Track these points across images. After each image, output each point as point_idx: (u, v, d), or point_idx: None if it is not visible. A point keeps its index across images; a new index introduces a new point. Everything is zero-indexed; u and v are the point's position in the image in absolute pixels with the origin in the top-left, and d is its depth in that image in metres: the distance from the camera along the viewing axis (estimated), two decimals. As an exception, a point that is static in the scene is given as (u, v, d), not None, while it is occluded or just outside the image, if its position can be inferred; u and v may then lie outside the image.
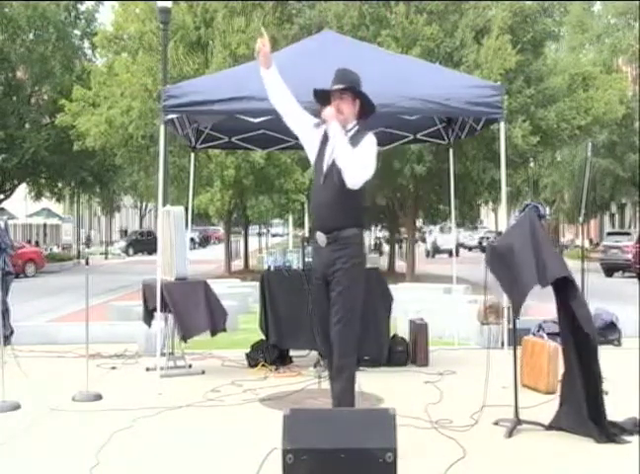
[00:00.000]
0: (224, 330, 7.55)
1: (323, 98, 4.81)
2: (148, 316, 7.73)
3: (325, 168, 4.70)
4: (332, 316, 4.64)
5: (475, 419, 5.43)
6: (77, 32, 28.84)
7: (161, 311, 7.24)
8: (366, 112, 4.83)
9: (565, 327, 5.26)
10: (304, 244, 7.84)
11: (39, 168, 28.74)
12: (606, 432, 4.96)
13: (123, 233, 54.55)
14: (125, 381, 7.06)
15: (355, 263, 4.66)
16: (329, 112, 4.66)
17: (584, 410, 5.03)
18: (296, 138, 9.80)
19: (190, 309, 7.27)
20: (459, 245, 47.46)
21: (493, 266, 5.33)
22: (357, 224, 4.70)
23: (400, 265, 26.24)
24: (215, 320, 7.40)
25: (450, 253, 40.70)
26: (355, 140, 4.65)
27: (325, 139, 4.78)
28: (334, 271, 4.64)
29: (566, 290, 5.12)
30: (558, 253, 5.38)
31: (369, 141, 4.68)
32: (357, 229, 4.69)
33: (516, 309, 5.34)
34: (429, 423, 5.40)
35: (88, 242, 47.90)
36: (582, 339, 5.12)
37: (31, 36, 27.25)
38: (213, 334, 7.51)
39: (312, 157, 4.89)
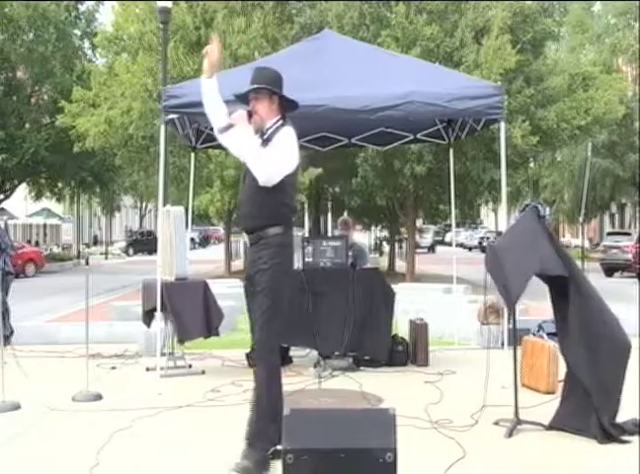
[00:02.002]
0: (217, 334, 7.57)
1: (246, 99, 4.69)
2: (147, 316, 7.74)
3: (245, 167, 4.60)
4: (257, 317, 4.59)
5: (475, 419, 5.44)
6: (77, 32, 28.83)
7: (161, 311, 7.25)
8: (290, 107, 4.71)
9: (568, 324, 5.24)
10: (304, 244, 7.85)
11: (38, 168, 28.73)
12: (608, 432, 4.96)
13: (129, 232, 54.49)
14: (125, 381, 7.06)
15: (275, 263, 4.50)
16: (236, 115, 4.54)
17: (591, 409, 5.02)
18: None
19: (187, 312, 7.28)
20: (459, 245, 48.12)
21: (491, 267, 5.34)
22: (280, 223, 4.54)
23: (400, 265, 26.24)
24: (211, 324, 7.42)
25: (428, 249, 46.12)
26: (270, 137, 4.52)
27: None
28: (255, 271, 4.57)
29: (569, 292, 5.13)
30: (558, 250, 5.34)
31: (283, 134, 4.52)
32: (279, 228, 4.53)
33: (509, 310, 5.34)
34: (429, 423, 5.41)
35: (95, 241, 47.74)
36: (590, 335, 5.12)
37: (31, 36, 27.21)
38: (206, 337, 7.54)
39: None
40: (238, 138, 4.60)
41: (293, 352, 7.85)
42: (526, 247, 5.17)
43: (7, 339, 7.77)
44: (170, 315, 7.27)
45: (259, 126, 4.55)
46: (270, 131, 4.56)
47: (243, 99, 4.69)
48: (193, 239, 46.59)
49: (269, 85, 4.61)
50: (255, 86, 4.62)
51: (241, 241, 33.74)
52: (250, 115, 4.56)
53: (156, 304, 7.29)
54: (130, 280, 19.77)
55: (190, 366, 7.49)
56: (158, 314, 7.31)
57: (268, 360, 4.57)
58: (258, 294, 4.56)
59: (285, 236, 4.57)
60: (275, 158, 4.44)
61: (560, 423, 5.19)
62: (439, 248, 50.48)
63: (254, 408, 4.56)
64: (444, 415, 5.55)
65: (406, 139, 9.63)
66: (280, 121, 4.62)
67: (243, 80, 6.42)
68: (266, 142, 4.50)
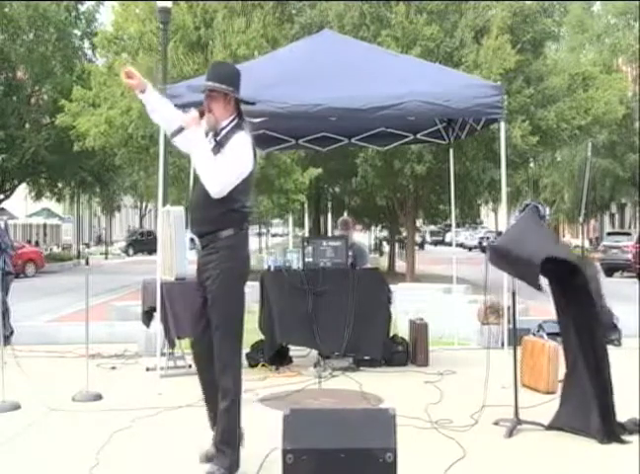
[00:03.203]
0: None
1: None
2: (146, 316, 7.74)
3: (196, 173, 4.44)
4: (213, 326, 4.43)
5: (475, 419, 5.44)
6: (77, 32, 28.83)
7: (160, 311, 7.24)
8: (246, 104, 4.59)
9: (568, 326, 5.26)
10: (304, 244, 7.85)
11: (39, 168, 28.74)
12: (609, 432, 4.96)
13: (130, 232, 54.39)
14: (125, 381, 7.06)
15: (225, 268, 4.37)
16: (188, 117, 4.39)
17: (591, 409, 5.02)
18: (296, 138, 9.84)
19: (186, 312, 7.25)
20: (459, 245, 48.26)
21: (497, 264, 5.34)
22: (232, 225, 4.40)
23: (400, 265, 26.24)
24: None
25: (419, 246, 46.88)
26: (223, 141, 4.38)
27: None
28: (206, 276, 4.42)
29: (572, 281, 5.12)
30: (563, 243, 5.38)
31: (236, 143, 4.35)
32: (232, 230, 4.39)
33: (534, 285, 5.19)
34: (429, 423, 5.41)
35: (99, 241, 47.57)
36: (587, 337, 5.13)
37: (31, 36, 27.22)
38: None
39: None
40: (190, 141, 4.44)
41: (293, 352, 7.84)
42: (535, 239, 5.15)
43: (7, 339, 7.76)
44: (168, 315, 7.25)
45: (212, 126, 4.41)
46: (223, 133, 4.42)
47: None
48: (192, 239, 46.32)
49: (224, 83, 4.42)
50: (209, 85, 4.43)
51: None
52: (202, 112, 4.41)
53: (155, 304, 7.30)
54: (130, 280, 19.76)
55: (190, 366, 7.46)
56: (158, 314, 7.31)
57: (232, 368, 4.50)
58: (212, 306, 4.40)
59: (237, 238, 4.43)
60: (225, 170, 4.28)
61: (560, 423, 5.19)
62: (438, 248, 50.74)
63: (223, 415, 4.49)
64: (444, 415, 5.55)
65: (406, 139, 9.62)
66: (236, 121, 4.46)
67: (242, 81, 6.44)
68: (218, 146, 4.36)
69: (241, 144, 4.37)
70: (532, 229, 5.20)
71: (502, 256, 5.24)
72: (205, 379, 4.66)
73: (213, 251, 4.40)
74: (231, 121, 4.46)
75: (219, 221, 4.38)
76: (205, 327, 4.53)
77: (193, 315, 4.66)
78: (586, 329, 5.14)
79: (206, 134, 4.41)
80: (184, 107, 7.22)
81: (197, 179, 4.44)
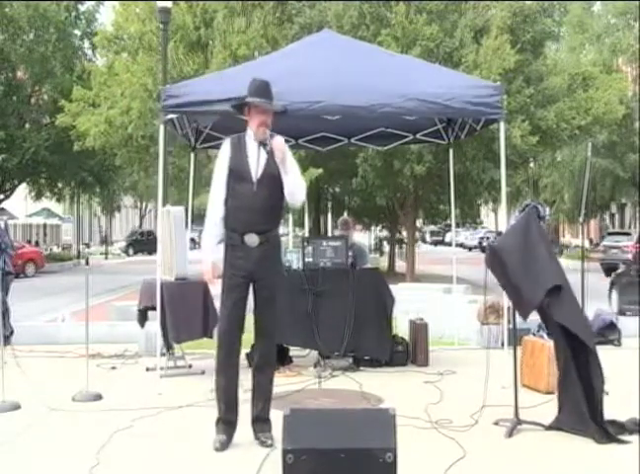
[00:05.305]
0: (211, 336, 7.55)
1: (239, 105, 5.26)
2: (142, 316, 7.74)
3: (255, 177, 4.97)
4: (265, 308, 5.10)
5: (475, 419, 5.44)
6: (77, 32, 28.86)
7: (160, 311, 7.24)
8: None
9: (557, 330, 5.26)
10: (304, 244, 7.85)
11: (39, 168, 28.75)
12: (606, 432, 4.96)
13: (132, 232, 54.22)
14: (125, 381, 7.06)
15: (280, 259, 5.35)
16: (282, 143, 5.02)
17: (584, 410, 5.03)
18: (296, 138, 9.85)
19: (185, 312, 7.26)
20: (459, 245, 48.24)
21: (493, 268, 5.34)
22: (280, 223, 5.30)
23: (400, 265, 26.24)
24: (207, 326, 7.40)
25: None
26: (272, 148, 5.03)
27: (242, 151, 5.07)
28: (265, 268, 4.99)
29: (558, 300, 5.14)
30: (553, 258, 5.37)
31: (287, 146, 5.12)
32: (278, 228, 5.22)
33: (523, 315, 5.37)
34: (429, 423, 5.41)
35: (105, 240, 47.49)
36: (578, 340, 5.13)
37: (31, 36, 27.24)
38: (198, 338, 7.55)
39: (223, 173, 5.14)
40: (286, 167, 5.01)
41: (293, 352, 7.85)
42: (531, 258, 5.17)
43: (7, 339, 7.77)
44: (167, 317, 7.25)
45: (265, 138, 5.01)
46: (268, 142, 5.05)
47: (239, 107, 5.27)
48: (193, 239, 46.31)
49: (282, 106, 5.35)
50: (280, 108, 5.32)
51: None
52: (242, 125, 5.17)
53: (150, 303, 7.30)
54: (130, 280, 19.77)
55: (190, 366, 7.49)
56: (158, 314, 7.31)
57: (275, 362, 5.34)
58: (274, 290, 5.09)
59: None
60: (298, 172, 5.12)
61: (560, 424, 5.19)
62: (438, 248, 50.69)
63: (269, 385, 5.28)
64: (444, 415, 5.55)
65: (406, 139, 9.62)
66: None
67: (242, 80, 6.45)
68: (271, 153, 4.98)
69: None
70: (534, 252, 5.21)
71: (500, 272, 5.30)
72: (233, 376, 5.23)
73: (272, 246, 5.08)
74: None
75: (277, 220, 5.20)
76: (242, 316, 5.07)
77: (234, 302, 5.03)
78: (574, 335, 5.15)
79: (262, 145, 4.99)
80: (183, 106, 7.27)
81: (245, 179, 4.95)
